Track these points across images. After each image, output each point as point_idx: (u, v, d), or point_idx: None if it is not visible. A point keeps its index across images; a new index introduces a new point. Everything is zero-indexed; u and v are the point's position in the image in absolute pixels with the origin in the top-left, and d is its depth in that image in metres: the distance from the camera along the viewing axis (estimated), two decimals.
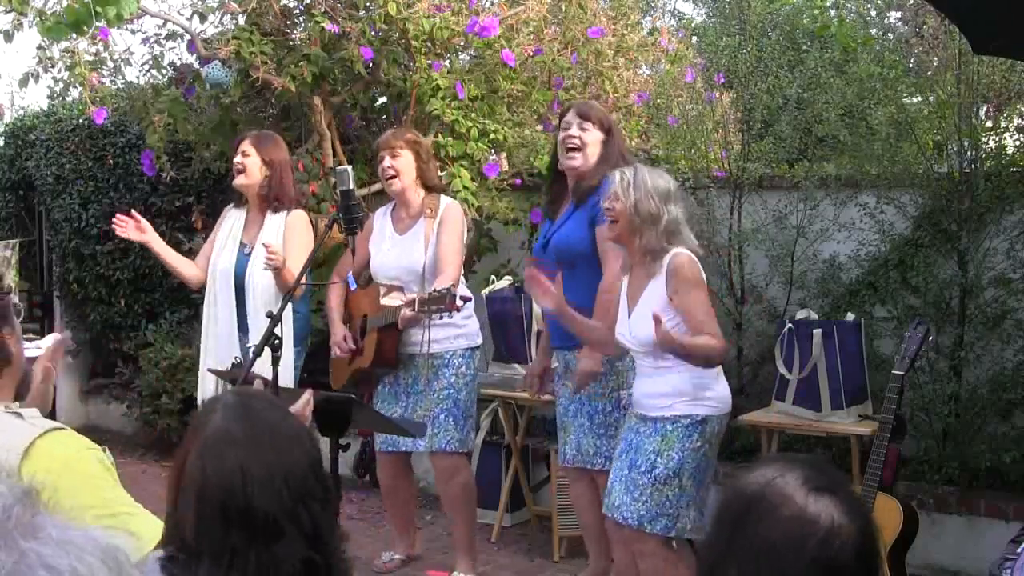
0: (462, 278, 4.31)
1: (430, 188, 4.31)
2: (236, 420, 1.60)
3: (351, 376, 4.38)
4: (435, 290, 3.87)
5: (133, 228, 4.31)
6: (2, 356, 1.99)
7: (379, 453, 4.50)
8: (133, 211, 4.40)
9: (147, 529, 1.82)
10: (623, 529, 3.51)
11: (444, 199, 4.35)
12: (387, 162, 4.25)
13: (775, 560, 1.31)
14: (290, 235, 4.25)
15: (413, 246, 4.24)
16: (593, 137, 3.88)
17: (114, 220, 4.36)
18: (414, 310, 3.86)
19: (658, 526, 3.41)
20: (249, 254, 4.29)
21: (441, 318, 3.94)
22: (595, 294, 3.71)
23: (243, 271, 4.28)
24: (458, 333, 4.23)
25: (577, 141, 3.87)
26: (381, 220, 4.41)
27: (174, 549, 1.54)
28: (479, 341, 4.37)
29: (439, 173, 4.65)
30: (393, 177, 4.25)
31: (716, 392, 3.49)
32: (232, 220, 4.43)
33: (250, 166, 4.31)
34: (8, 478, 0.93)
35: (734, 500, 1.38)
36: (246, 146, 4.34)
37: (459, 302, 3.80)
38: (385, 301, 4.15)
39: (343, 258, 4.54)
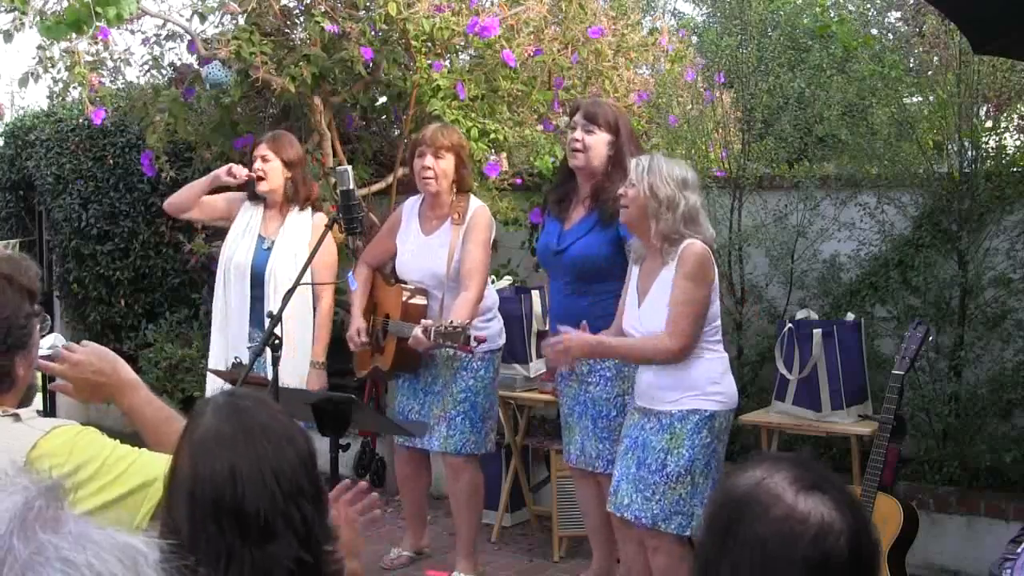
0: (491, 278, 4.34)
1: (463, 190, 4.26)
2: (226, 420, 1.60)
3: (371, 372, 4.40)
4: (452, 324, 3.79)
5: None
6: (7, 381, 1.96)
7: (398, 446, 4.54)
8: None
9: (158, 466, 1.88)
10: (632, 527, 3.51)
11: (473, 202, 4.28)
12: (428, 161, 4.16)
13: (768, 560, 1.31)
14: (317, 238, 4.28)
15: (437, 252, 4.20)
16: (597, 139, 3.85)
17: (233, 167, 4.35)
18: (428, 338, 3.80)
19: (672, 524, 3.42)
20: (269, 249, 4.30)
21: (453, 353, 3.93)
22: (613, 304, 3.71)
23: (262, 265, 4.28)
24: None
25: (579, 144, 3.85)
26: (408, 213, 4.36)
27: (171, 551, 1.54)
28: (500, 343, 4.35)
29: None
30: (431, 178, 4.17)
31: (724, 387, 3.49)
32: (248, 214, 4.42)
33: (271, 171, 4.29)
34: (33, 473, 0.93)
35: (725, 502, 1.39)
36: (264, 150, 4.29)
37: (472, 343, 3.76)
38: (410, 301, 4.18)
39: (370, 246, 4.54)
